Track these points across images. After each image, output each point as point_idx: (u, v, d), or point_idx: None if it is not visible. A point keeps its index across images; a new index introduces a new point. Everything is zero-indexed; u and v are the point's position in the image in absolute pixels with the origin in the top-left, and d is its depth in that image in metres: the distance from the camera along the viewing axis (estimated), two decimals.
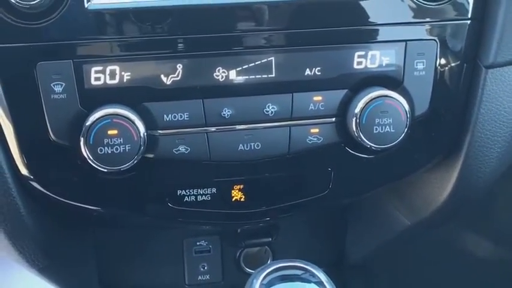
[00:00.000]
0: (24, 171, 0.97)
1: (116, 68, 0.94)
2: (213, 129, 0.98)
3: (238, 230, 1.35)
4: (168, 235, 1.39)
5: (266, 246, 1.42)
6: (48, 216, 1.10)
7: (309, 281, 0.85)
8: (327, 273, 0.91)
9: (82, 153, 0.93)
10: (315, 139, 1.01)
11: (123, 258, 1.41)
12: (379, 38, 1.00)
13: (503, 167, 1.12)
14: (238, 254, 1.42)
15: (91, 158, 0.93)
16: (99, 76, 0.94)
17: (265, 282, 0.84)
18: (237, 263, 1.43)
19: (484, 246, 1.50)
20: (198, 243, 1.40)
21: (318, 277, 0.85)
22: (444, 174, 1.12)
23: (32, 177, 0.98)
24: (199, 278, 1.42)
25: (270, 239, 1.39)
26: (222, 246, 1.41)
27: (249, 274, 1.37)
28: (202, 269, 1.42)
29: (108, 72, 0.94)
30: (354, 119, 0.98)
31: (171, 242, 1.40)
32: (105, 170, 0.94)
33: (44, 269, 1.19)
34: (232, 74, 0.97)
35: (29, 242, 1.07)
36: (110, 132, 0.92)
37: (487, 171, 1.10)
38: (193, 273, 1.42)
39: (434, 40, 1.01)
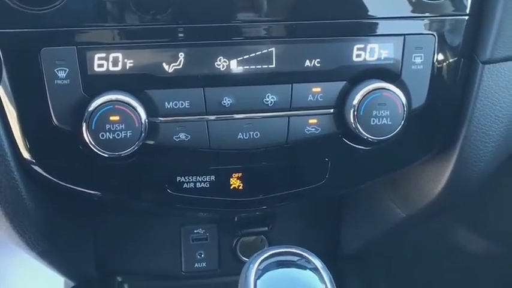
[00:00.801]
0: (26, 155, 0.98)
1: (119, 55, 0.95)
2: (213, 117, 0.99)
3: (236, 219, 1.37)
4: (166, 222, 1.41)
5: (262, 236, 1.43)
6: (49, 201, 1.11)
7: (304, 268, 0.86)
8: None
9: (84, 138, 0.94)
10: (313, 129, 1.02)
11: (120, 244, 1.42)
12: (378, 32, 1.01)
13: (498, 161, 1.14)
14: (234, 243, 1.43)
15: (93, 143, 0.94)
16: (102, 63, 0.95)
17: (261, 267, 0.85)
18: (233, 251, 1.44)
19: (477, 239, 1.52)
20: (195, 231, 1.41)
21: (314, 263, 0.87)
22: (439, 167, 1.14)
23: (33, 161, 0.99)
24: (196, 265, 1.43)
25: (267, 228, 1.40)
26: (219, 234, 1.43)
27: (245, 262, 1.40)
28: (199, 257, 1.43)
29: (111, 59, 0.95)
30: (351, 111, 1.00)
31: (168, 229, 1.41)
32: (106, 156, 0.95)
33: (43, 253, 1.20)
34: (233, 64, 0.98)
35: (29, 225, 1.08)
36: (111, 118, 0.93)
37: (482, 165, 1.11)
38: (190, 260, 1.43)
39: (433, 35, 1.02)
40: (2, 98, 0.95)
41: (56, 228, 1.21)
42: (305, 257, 0.87)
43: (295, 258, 0.88)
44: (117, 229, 1.40)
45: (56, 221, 1.20)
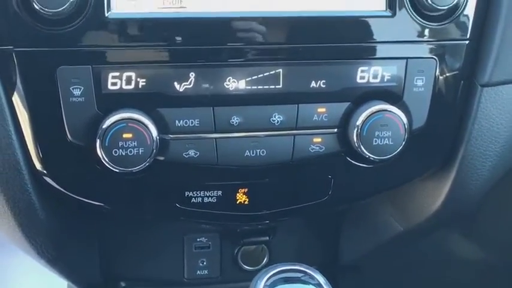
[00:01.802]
0: (39, 166, 1.01)
1: (132, 74, 0.98)
2: (222, 135, 1.02)
3: (238, 229, 1.40)
4: (170, 231, 1.43)
5: (263, 245, 1.46)
6: (59, 211, 1.14)
7: (308, 283, 0.91)
8: (322, 273, 0.96)
9: (97, 154, 0.97)
10: (317, 148, 1.05)
11: (125, 252, 1.44)
12: (382, 55, 1.04)
13: (494, 180, 1.17)
14: (236, 251, 1.46)
15: (106, 159, 0.97)
16: (115, 81, 0.97)
17: (268, 283, 0.89)
18: (235, 259, 1.46)
19: (474, 251, 1.53)
20: (198, 240, 1.44)
21: (317, 279, 0.91)
22: (438, 185, 1.17)
23: (46, 172, 1.02)
24: (198, 272, 1.45)
25: (267, 238, 1.43)
26: (221, 243, 1.45)
27: (246, 270, 1.43)
28: (201, 264, 1.45)
29: (124, 78, 0.98)
30: (355, 131, 1.03)
31: (172, 237, 1.43)
32: (118, 171, 0.98)
33: (52, 260, 1.23)
34: (242, 84, 1.01)
35: (40, 235, 1.12)
36: (125, 135, 0.96)
37: (479, 184, 1.15)
38: (192, 268, 1.45)
39: (434, 58, 1.05)
40: (18, 113, 0.98)
41: (65, 236, 1.23)
42: (309, 274, 0.91)
43: (299, 275, 0.92)
44: (122, 237, 1.42)
45: (64, 230, 1.22)
